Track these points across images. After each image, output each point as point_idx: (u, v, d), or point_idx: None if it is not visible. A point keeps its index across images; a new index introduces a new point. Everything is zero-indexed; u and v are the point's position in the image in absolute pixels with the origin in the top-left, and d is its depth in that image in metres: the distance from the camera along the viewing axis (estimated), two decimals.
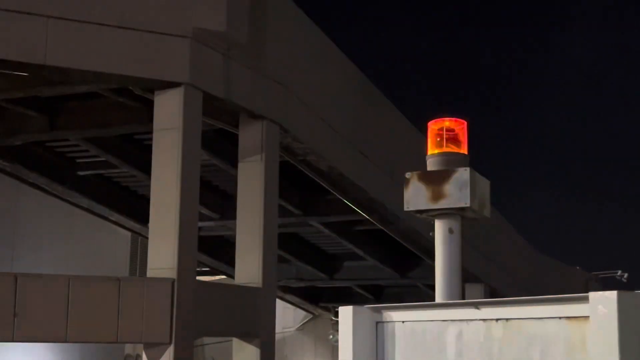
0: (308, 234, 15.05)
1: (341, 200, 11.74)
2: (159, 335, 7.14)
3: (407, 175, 5.37)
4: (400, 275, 16.18)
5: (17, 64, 7.20)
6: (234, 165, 9.09)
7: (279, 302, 13.56)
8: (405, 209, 5.38)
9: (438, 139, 5.40)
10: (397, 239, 13.61)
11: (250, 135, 8.63)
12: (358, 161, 11.18)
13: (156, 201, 7.48)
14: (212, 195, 12.89)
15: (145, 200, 9.72)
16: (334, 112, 10.57)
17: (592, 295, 3.36)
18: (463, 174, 5.18)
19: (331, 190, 11.36)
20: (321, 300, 19.21)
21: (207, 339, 19.14)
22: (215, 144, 10.58)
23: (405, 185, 5.35)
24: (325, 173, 10.57)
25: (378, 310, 4.37)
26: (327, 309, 19.65)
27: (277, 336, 9.32)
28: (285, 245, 14.40)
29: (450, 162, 5.31)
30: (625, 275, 28.00)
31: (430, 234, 5.39)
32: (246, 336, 8.39)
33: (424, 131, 5.67)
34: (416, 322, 4.19)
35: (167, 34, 7.49)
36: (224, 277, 16.15)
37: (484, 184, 5.40)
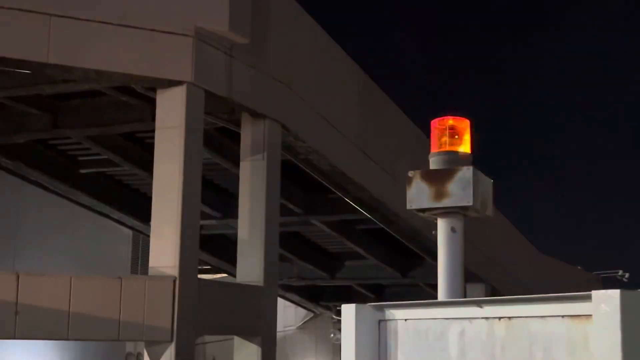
0: (310, 232, 15.06)
1: (343, 199, 11.74)
2: (160, 333, 7.14)
3: (410, 173, 5.36)
4: (401, 275, 16.19)
5: (20, 61, 7.21)
6: (236, 163, 9.09)
7: (280, 300, 13.55)
8: (408, 207, 5.37)
9: (441, 138, 5.39)
10: (399, 238, 13.61)
11: (252, 133, 8.63)
12: (360, 160, 11.18)
13: (158, 199, 7.48)
14: (214, 193, 12.89)
15: (147, 198, 9.72)
16: (336, 110, 10.57)
17: (595, 294, 3.36)
18: (466, 172, 5.17)
19: (333, 189, 11.36)
20: (322, 299, 19.21)
21: (208, 337, 19.16)
22: (217, 142, 10.58)
23: (408, 184, 5.34)
24: (327, 172, 10.57)
25: (381, 309, 4.37)
26: (328, 308, 19.66)
27: (278, 335, 9.32)
28: (287, 244, 14.41)
29: (453, 161, 5.31)
30: (627, 275, 28.02)
31: (433, 233, 5.39)
32: (247, 334, 8.39)
33: (426, 130, 5.67)
34: (419, 320, 4.19)
35: (169, 33, 7.49)
36: (225, 275, 16.16)
37: (487, 183, 5.40)
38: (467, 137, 5.41)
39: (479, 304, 3.93)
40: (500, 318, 3.82)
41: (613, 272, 28.54)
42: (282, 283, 16.32)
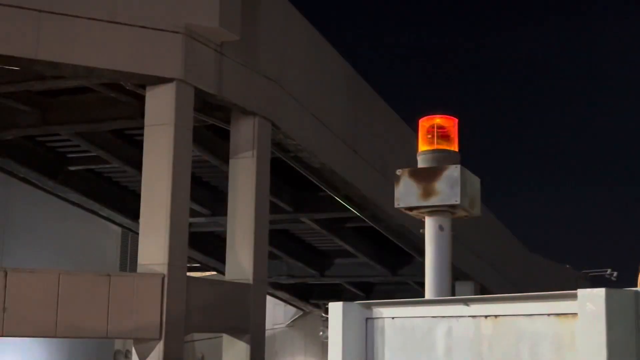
0: (299, 230, 15.06)
1: (332, 197, 11.75)
2: (148, 331, 7.13)
3: (398, 172, 5.37)
4: (390, 273, 16.21)
5: (9, 58, 7.18)
6: (226, 161, 9.09)
7: (269, 298, 13.56)
8: (396, 206, 5.38)
9: (429, 136, 5.40)
10: (388, 236, 13.63)
11: (242, 131, 8.62)
12: (350, 158, 11.19)
13: (147, 197, 7.47)
14: (204, 191, 12.88)
15: (136, 195, 9.72)
16: (326, 108, 10.58)
17: (581, 292, 3.37)
18: (454, 171, 5.19)
19: (322, 187, 11.37)
20: (311, 297, 19.22)
21: (197, 335, 19.14)
22: (207, 140, 10.57)
23: (396, 182, 5.35)
24: (316, 170, 10.58)
25: (368, 307, 4.38)
26: (318, 306, 19.67)
27: (267, 332, 9.32)
28: (276, 241, 14.41)
29: (441, 159, 5.32)
30: (615, 274, 28.14)
31: (421, 231, 5.40)
32: (236, 332, 8.39)
33: (415, 128, 5.68)
34: (406, 318, 4.20)
35: (159, 30, 7.48)
36: (214, 273, 16.14)
37: (475, 182, 5.41)
38: (455, 136, 5.42)
39: (466, 302, 3.94)
40: (487, 316, 3.83)
41: (602, 270, 28.66)
42: (271, 281, 16.31)
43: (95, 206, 13.14)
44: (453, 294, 5.56)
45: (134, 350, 7.34)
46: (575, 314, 3.42)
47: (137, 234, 7.92)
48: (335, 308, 4.38)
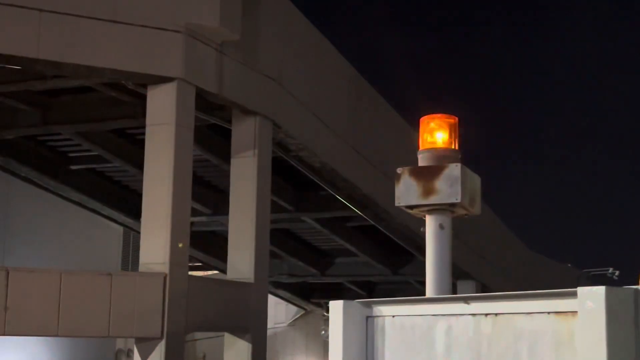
0: (300, 229, 15.06)
1: (334, 196, 11.75)
2: (150, 330, 7.15)
3: (398, 170, 5.37)
4: (392, 272, 16.21)
5: (10, 57, 7.20)
6: (227, 160, 9.10)
7: (270, 297, 13.55)
8: (396, 204, 5.39)
9: (429, 135, 5.41)
10: (390, 235, 13.63)
11: (243, 130, 8.63)
12: (351, 157, 11.19)
13: (148, 196, 7.48)
14: (205, 190, 12.89)
15: (138, 194, 9.73)
16: (327, 108, 10.58)
17: (580, 290, 3.37)
18: (454, 169, 5.18)
19: (324, 186, 11.38)
20: (313, 296, 19.23)
21: (198, 334, 19.16)
22: (208, 139, 10.58)
23: (397, 181, 5.35)
24: (317, 169, 10.58)
25: (368, 305, 4.39)
26: (319, 305, 19.68)
27: (268, 331, 9.33)
28: (278, 241, 14.41)
29: (442, 157, 5.32)
30: (617, 272, 28.14)
31: (421, 229, 5.40)
32: (238, 331, 8.40)
33: (416, 127, 5.68)
34: (406, 316, 4.20)
35: (160, 29, 7.49)
36: (216, 272, 16.16)
37: (475, 180, 5.41)
38: (455, 134, 5.42)
39: (465, 300, 3.94)
40: (486, 314, 3.83)
41: (604, 269, 28.66)
42: (272, 280, 16.32)
43: (97, 205, 13.15)
44: (454, 293, 5.56)
45: (135, 349, 7.36)
46: (575, 312, 3.42)
47: (139, 233, 7.94)
48: (336, 306, 4.38)
